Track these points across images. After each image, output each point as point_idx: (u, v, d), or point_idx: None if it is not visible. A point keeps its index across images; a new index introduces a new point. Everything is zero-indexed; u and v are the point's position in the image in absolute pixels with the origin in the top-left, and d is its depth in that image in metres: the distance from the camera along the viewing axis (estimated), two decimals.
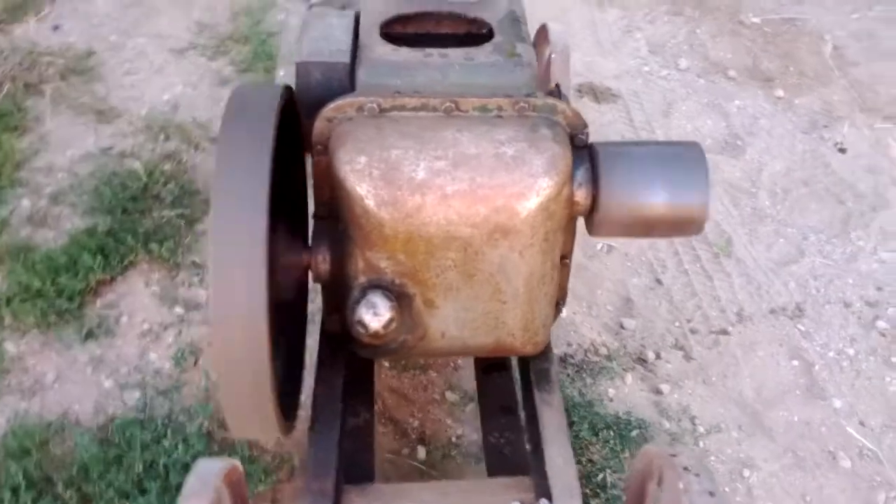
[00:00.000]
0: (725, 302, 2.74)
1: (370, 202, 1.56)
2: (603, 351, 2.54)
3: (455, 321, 1.72)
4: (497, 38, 1.74)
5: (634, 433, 2.30)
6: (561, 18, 3.83)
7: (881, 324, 2.69)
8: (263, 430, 1.60)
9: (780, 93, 3.64)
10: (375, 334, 1.64)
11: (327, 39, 1.72)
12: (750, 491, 2.23)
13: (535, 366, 1.90)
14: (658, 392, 2.45)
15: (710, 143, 3.27)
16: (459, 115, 1.64)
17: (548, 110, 1.65)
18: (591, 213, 1.68)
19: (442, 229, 1.58)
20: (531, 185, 1.57)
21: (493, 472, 1.98)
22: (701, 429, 2.38)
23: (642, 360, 2.54)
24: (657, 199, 1.63)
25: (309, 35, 1.73)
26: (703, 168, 1.64)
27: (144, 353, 2.45)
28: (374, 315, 1.62)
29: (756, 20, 4.08)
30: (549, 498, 1.76)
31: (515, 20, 1.81)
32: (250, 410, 1.52)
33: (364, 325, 1.62)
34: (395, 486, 1.98)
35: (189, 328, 2.53)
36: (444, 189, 1.56)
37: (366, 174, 1.56)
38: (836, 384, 2.52)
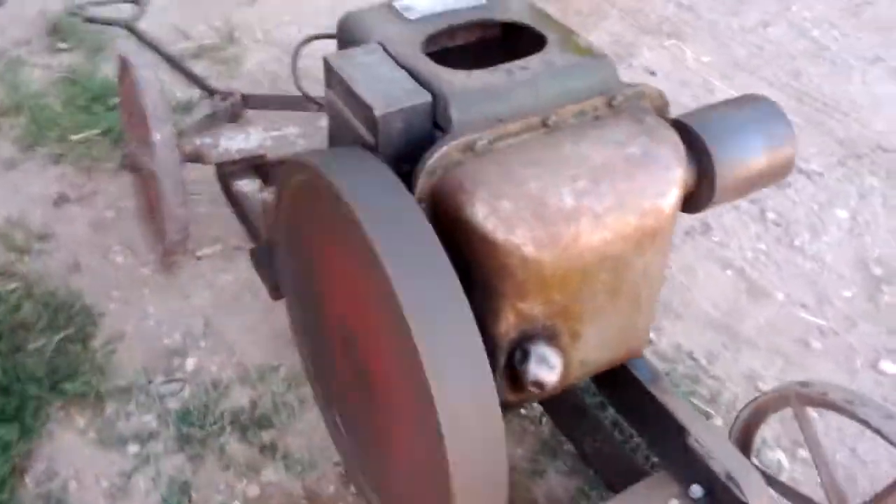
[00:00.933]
0: None
1: (529, 248, 1.37)
2: None
3: (595, 345, 1.60)
4: (552, 36, 1.59)
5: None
6: None
7: (770, 215, 2.99)
8: None
9: None
10: (551, 387, 1.47)
11: (388, 82, 1.45)
12: None
13: (635, 362, 1.83)
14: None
15: None
16: (562, 127, 1.49)
17: (636, 97, 1.56)
18: (697, 189, 1.63)
19: (597, 252, 1.45)
20: (669, 178, 1.49)
21: (610, 477, 1.91)
22: (703, 361, 2.48)
23: None
24: (760, 156, 1.63)
25: (361, 84, 1.44)
26: (782, 112, 1.67)
27: None
28: (549, 369, 1.46)
29: None
30: (707, 482, 1.74)
31: (544, 14, 1.67)
32: None
33: (541, 384, 1.45)
34: None
35: (159, 462, 2.07)
36: (594, 209, 1.42)
37: (517, 219, 1.36)
38: (769, 279, 2.77)
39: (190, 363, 2.30)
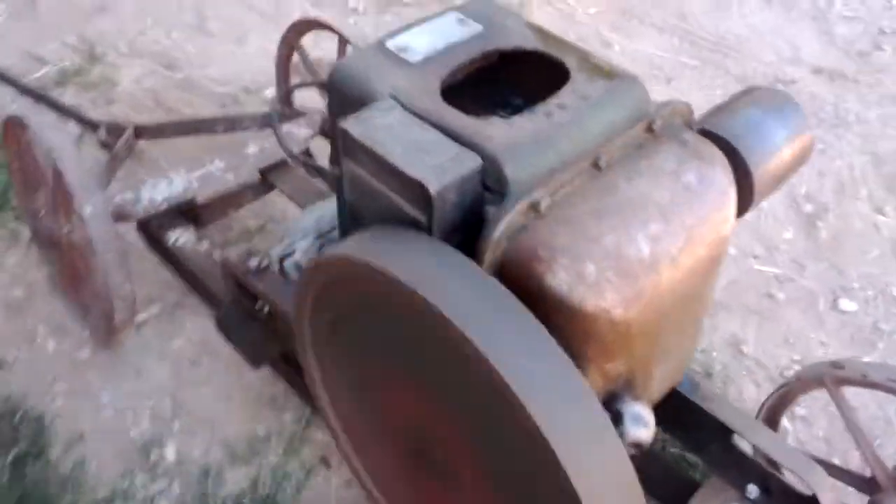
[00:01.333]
0: None
1: (619, 310, 1.27)
2: None
3: (661, 380, 1.53)
4: (570, 62, 1.45)
5: None
6: None
7: None
8: None
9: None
10: (648, 445, 1.39)
11: (428, 149, 1.27)
12: (759, 361, 2.43)
13: None
14: None
15: None
16: (612, 165, 1.37)
17: (669, 116, 1.46)
18: (738, 197, 1.56)
19: (674, 294, 1.36)
20: (726, 200, 1.42)
21: (663, 495, 1.87)
22: None
23: None
24: (785, 148, 1.57)
25: (400, 156, 1.26)
26: (790, 98, 1.62)
27: None
28: (645, 426, 1.38)
29: None
30: (762, 480, 1.74)
31: (548, 35, 1.53)
32: None
33: (640, 443, 1.37)
34: None
35: None
36: (669, 252, 1.33)
37: (603, 282, 1.25)
38: None
39: (169, 453, 2.05)
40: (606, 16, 3.77)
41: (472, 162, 1.26)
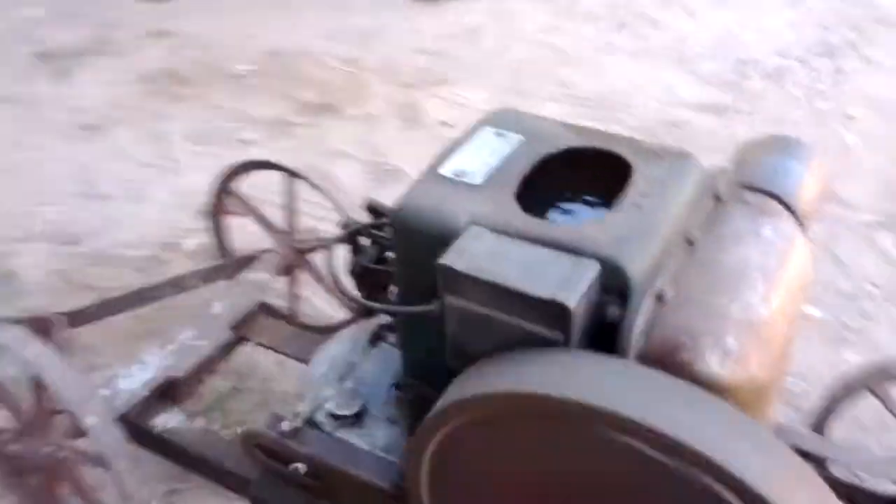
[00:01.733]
0: None
1: (762, 374, 1.27)
2: None
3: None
4: (623, 150, 1.44)
5: None
6: None
7: None
8: None
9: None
10: None
11: (543, 267, 1.23)
12: None
13: None
14: None
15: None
16: (699, 238, 1.36)
17: (725, 181, 1.48)
18: None
19: (787, 341, 1.37)
20: (800, 244, 1.44)
21: None
22: None
23: None
24: (809, 178, 1.60)
25: (519, 280, 1.21)
26: (794, 137, 1.67)
27: None
28: None
29: None
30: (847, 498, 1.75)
31: (590, 130, 1.53)
32: None
33: None
34: None
35: None
36: (782, 308, 1.34)
37: (745, 352, 1.23)
38: None
39: None
40: (499, 97, 3.86)
41: (592, 268, 1.22)
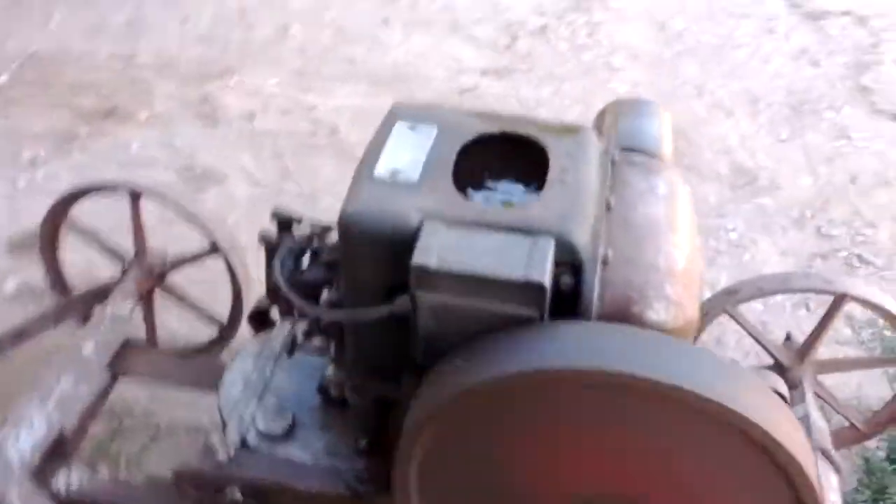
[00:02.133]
0: None
1: (696, 314, 1.45)
2: None
3: None
4: (533, 132, 1.56)
5: None
6: None
7: None
8: None
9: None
10: None
11: (504, 251, 1.33)
12: None
13: None
14: None
15: None
16: (613, 200, 1.54)
17: (614, 148, 1.66)
18: None
19: (699, 284, 1.57)
20: (680, 184, 1.65)
21: None
22: None
23: None
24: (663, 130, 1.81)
25: (490, 266, 1.30)
26: (644, 98, 1.90)
27: None
28: None
29: None
30: None
31: (496, 115, 1.62)
32: None
33: None
34: None
35: None
36: (690, 247, 1.54)
37: (681, 298, 1.43)
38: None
39: None
40: (294, 81, 3.83)
41: (549, 244, 1.34)
